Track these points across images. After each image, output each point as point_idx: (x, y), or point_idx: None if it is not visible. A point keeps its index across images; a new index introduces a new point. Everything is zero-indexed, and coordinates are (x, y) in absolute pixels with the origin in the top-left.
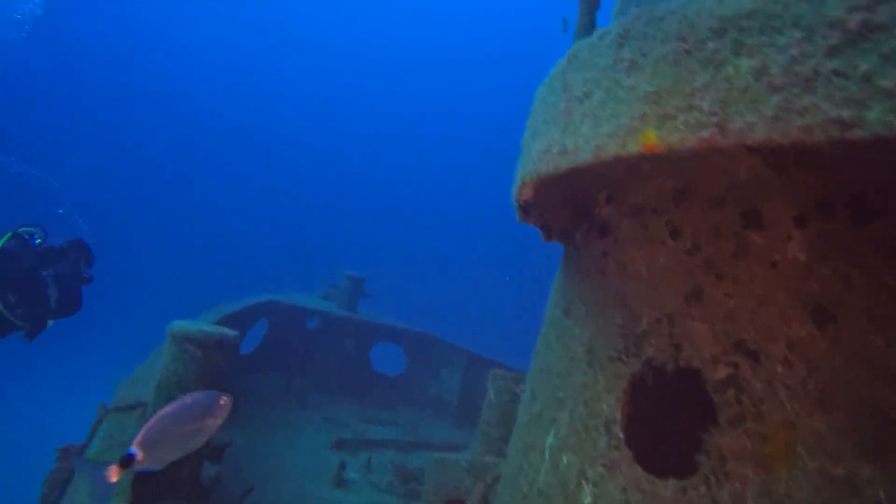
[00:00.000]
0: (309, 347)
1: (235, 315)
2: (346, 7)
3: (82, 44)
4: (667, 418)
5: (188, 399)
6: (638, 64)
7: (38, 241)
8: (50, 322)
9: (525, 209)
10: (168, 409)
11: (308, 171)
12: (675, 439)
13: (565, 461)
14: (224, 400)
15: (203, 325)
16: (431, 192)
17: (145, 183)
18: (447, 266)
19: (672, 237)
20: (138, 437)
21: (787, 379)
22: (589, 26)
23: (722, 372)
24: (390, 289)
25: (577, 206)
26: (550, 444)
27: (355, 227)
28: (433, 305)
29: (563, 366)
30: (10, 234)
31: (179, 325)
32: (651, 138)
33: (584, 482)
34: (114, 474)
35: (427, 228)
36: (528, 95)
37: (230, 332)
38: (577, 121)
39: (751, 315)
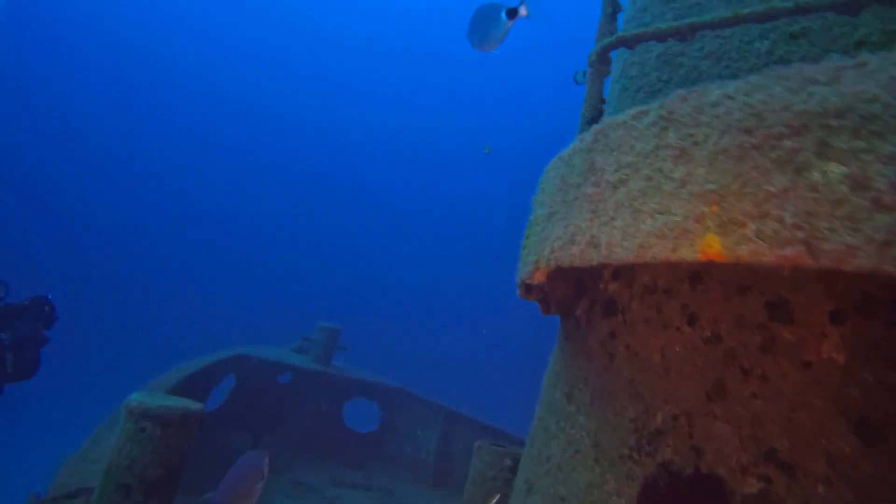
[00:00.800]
0: (279, 404)
1: (201, 372)
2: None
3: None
4: None
5: (237, 470)
6: (689, 154)
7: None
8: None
9: (529, 288)
10: (226, 482)
11: (285, 218)
12: None
13: None
14: (266, 459)
15: (164, 399)
16: (411, 241)
17: (112, 222)
18: (425, 317)
19: (689, 323)
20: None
21: (829, 503)
22: (600, 93)
23: (752, 486)
24: (366, 341)
25: (577, 279)
26: None
27: (331, 276)
28: (410, 360)
29: (565, 458)
30: None
31: (138, 400)
32: (713, 246)
33: None
34: None
35: (405, 278)
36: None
37: (194, 406)
38: (610, 210)
39: (783, 421)
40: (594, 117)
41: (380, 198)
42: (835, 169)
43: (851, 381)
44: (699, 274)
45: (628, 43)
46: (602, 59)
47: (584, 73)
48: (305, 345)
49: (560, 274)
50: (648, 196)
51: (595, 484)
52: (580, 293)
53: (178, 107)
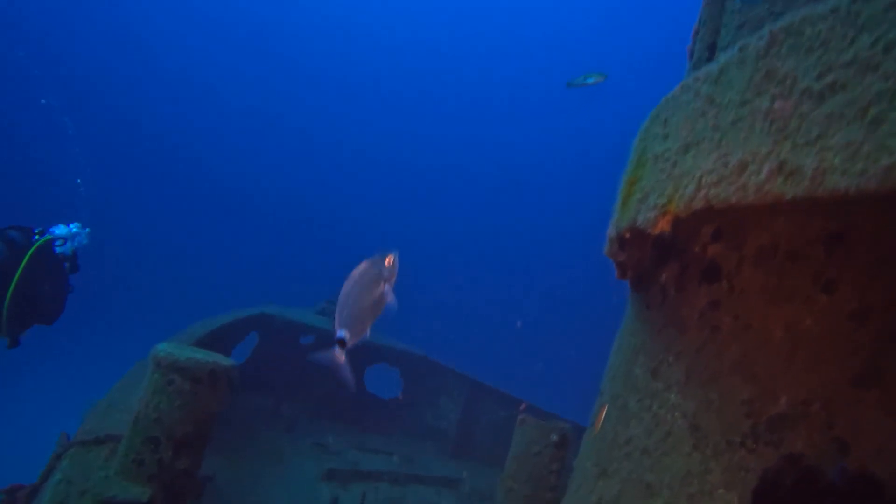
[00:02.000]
0: (300, 366)
1: (225, 328)
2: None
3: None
4: None
5: (358, 273)
6: None
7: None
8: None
9: (624, 243)
10: (347, 287)
11: (315, 178)
12: None
13: None
14: (389, 259)
15: (194, 353)
16: (444, 205)
17: (142, 178)
18: (452, 285)
19: (825, 291)
20: (340, 321)
21: None
22: (720, 14)
23: None
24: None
25: (664, 239)
26: None
27: (361, 238)
28: (434, 326)
29: (652, 441)
30: (43, 240)
31: (166, 351)
32: None
33: None
34: (340, 356)
35: (436, 244)
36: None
37: (225, 362)
38: (816, 126)
39: None
40: (714, 42)
41: (415, 151)
42: None
43: None
44: (839, 236)
45: None
46: None
47: None
48: (329, 308)
49: (638, 233)
50: None
51: (695, 472)
52: (663, 257)
53: (263, 72)
